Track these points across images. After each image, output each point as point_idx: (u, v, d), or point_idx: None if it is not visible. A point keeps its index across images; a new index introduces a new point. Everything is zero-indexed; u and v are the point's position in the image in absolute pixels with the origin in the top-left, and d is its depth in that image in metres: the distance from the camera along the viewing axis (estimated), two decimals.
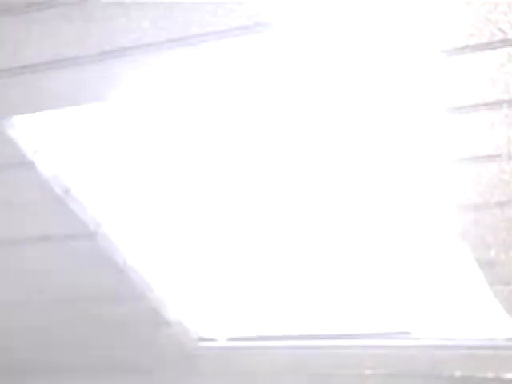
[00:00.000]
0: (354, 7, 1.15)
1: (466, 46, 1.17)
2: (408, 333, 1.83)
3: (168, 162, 1.92)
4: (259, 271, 2.00)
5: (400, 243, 1.88)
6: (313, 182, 1.70)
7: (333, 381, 1.97)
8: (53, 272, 2.01)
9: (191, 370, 2.07)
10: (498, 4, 1.09)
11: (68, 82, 1.42)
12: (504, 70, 1.19)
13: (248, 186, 1.75)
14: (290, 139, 1.60)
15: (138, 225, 1.91)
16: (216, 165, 1.75)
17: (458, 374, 1.83)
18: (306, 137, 1.59)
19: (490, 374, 1.79)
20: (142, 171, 1.91)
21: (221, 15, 1.20)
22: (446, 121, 1.28)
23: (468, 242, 1.53)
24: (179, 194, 1.99)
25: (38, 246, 1.94)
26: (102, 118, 1.84)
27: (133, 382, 2.16)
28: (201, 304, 2.04)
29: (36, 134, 1.68)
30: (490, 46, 1.16)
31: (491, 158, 1.33)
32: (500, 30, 1.13)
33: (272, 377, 2.00)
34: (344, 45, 1.23)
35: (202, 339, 2.02)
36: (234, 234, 1.90)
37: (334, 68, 1.31)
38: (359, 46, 1.23)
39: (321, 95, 1.47)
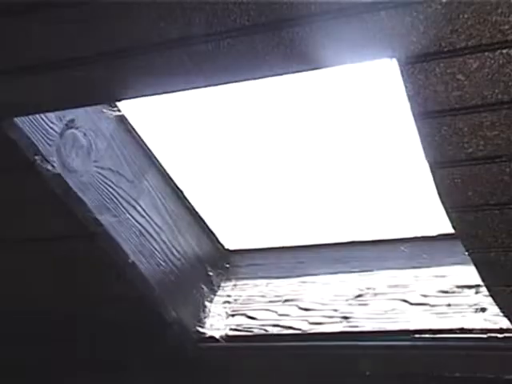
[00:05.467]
0: None
1: (466, 47, 1.17)
2: (408, 333, 1.83)
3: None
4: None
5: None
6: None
7: (332, 381, 1.97)
8: (52, 272, 2.01)
9: (191, 370, 2.07)
10: (498, 5, 1.09)
11: (69, 82, 1.42)
12: (504, 71, 1.19)
13: None
14: None
15: (138, 223, 1.91)
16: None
17: (457, 374, 1.83)
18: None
19: (490, 375, 1.80)
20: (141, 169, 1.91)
21: (221, 16, 1.20)
22: (445, 121, 1.28)
23: (467, 242, 1.53)
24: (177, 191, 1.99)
25: (38, 246, 1.94)
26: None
27: (132, 381, 2.16)
28: (200, 303, 2.04)
29: (37, 134, 1.68)
30: (489, 47, 1.16)
31: (491, 158, 1.33)
32: (500, 31, 1.13)
33: (272, 377, 2.00)
34: None
35: (201, 339, 2.02)
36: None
37: None
38: None
39: None
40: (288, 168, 1.91)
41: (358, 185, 1.84)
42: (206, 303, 2.03)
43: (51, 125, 1.71)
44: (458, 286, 1.82)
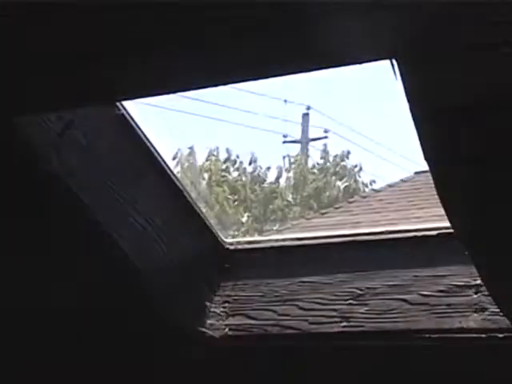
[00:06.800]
0: None
1: (466, 47, 1.17)
2: (408, 333, 1.83)
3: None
4: None
5: None
6: None
7: (332, 381, 1.98)
8: (51, 271, 2.01)
9: (191, 371, 2.07)
10: (498, 5, 1.10)
11: (69, 82, 1.42)
12: (504, 71, 1.19)
13: None
14: None
15: (138, 223, 1.91)
16: None
17: (457, 374, 1.83)
18: None
19: (490, 375, 1.80)
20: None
21: (222, 16, 1.20)
22: (445, 121, 1.28)
23: (467, 241, 1.53)
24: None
25: (37, 246, 1.94)
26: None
27: (131, 381, 2.16)
28: (200, 303, 2.04)
29: (36, 134, 1.69)
30: (490, 47, 1.16)
31: (491, 159, 1.33)
32: (501, 30, 1.13)
33: (272, 377, 2.00)
34: None
35: (201, 339, 2.02)
36: None
37: None
38: None
39: None
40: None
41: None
42: (206, 303, 2.03)
43: (51, 125, 1.71)
44: (458, 286, 1.82)
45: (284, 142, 20.75)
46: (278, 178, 19.79)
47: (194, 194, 2.06)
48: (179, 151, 16.73)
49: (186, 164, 17.44)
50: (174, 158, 15.32)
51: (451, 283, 1.83)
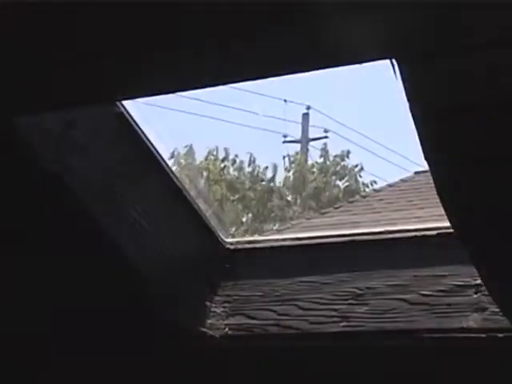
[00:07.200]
0: None
1: (466, 47, 1.17)
2: (408, 333, 1.83)
3: None
4: None
5: None
6: None
7: (332, 380, 1.98)
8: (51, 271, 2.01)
9: (191, 370, 2.07)
10: (497, 5, 1.10)
11: (69, 82, 1.42)
12: (503, 71, 1.19)
13: None
14: None
15: (138, 223, 1.91)
16: None
17: (457, 373, 1.83)
18: None
19: (490, 375, 1.80)
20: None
21: (223, 16, 1.20)
22: (445, 121, 1.28)
23: (467, 241, 1.53)
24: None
25: (37, 247, 1.94)
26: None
27: (131, 381, 2.16)
28: (200, 303, 2.04)
29: (37, 134, 1.68)
30: (490, 46, 1.16)
31: (491, 159, 1.33)
32: (500, 30, 1.13)
33: (272, 377, 2.00)
34: None
35: (201, 339, 2.02)
36: None
37: None
38: None
39: None
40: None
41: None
42: (206, 303, 2.04)
43: (51, 125, 1.71)
44: (458, 286, 1.82)
45: (284, 142, 20.77)
46: (276, 177, 19.82)
47: (193, 194, 2.06)
48: (179, 151, 16.75)
49: (185, 164, 17.46)
50: (171, 157, 15.35)
51: (451, 283, 1.84)
